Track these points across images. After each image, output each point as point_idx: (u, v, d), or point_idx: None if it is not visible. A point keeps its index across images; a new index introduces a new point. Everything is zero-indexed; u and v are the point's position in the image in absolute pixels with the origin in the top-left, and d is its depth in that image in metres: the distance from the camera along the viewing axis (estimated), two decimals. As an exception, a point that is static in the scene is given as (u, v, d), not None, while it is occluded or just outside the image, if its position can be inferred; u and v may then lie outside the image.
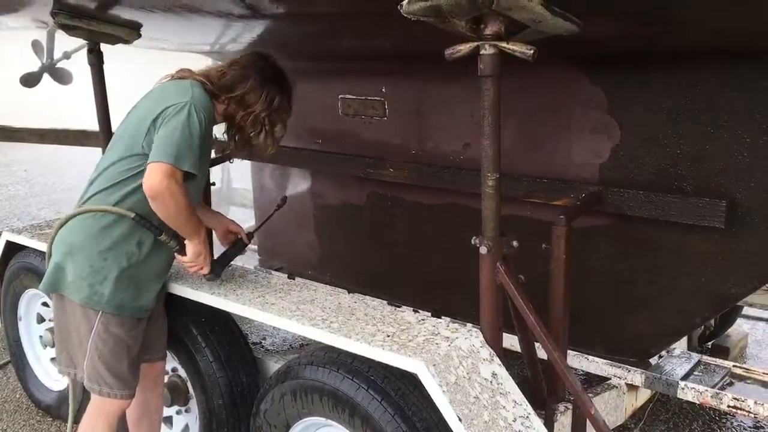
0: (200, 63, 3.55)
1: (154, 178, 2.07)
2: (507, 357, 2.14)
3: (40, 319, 3.39)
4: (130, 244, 2.25)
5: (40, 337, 3.39)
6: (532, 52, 1.76)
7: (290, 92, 2.39)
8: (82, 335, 2.27)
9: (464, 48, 1.84)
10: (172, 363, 2.71)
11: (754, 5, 1.65)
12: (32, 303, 3.39)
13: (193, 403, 2.72)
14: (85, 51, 3.25)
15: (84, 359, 2.28)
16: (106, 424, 2.34)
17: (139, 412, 2.56)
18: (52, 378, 3.38)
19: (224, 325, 2.69)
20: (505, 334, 2.12)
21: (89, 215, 2.24)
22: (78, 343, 2.29)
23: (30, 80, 5.29)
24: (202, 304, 2.51)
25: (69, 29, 3.02)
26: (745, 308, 3.64)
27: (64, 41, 3.88)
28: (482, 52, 1.82)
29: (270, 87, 2.31)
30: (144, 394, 2.52)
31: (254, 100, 2.29)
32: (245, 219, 5.89)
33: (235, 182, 5.82)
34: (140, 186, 2.14)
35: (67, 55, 5.22)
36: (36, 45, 4.79)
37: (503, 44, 1.79)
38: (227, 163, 5.39)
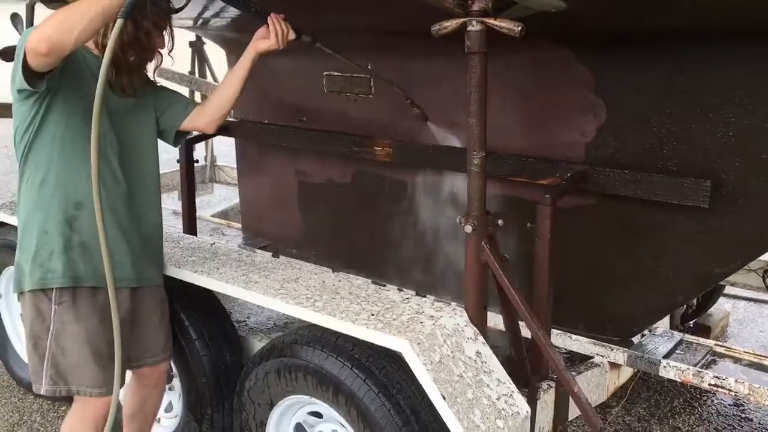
0: (184, 38, 3.50)
1: (28, 46, 1.81)
2: (491, 335, 2.15)
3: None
4: (67, 207, 2.09)
5: (21, 314, 3.36)
6: (519, 29, 1.75)
7: None
8: (36, 334, 2.13)
9: (451, 24, 1.83)
10: (155, 341, 2.69)
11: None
12: (12, 281, 3.35)
13: (177, 382, 2.71)
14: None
15: (44, 360, 2.13)
16: (91, 426, 2.18)
17: (135, 407, 2.48)
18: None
19: (208, 303, 2.68)
20: (489, 313, 2.13)
21: (24, 186, 2.12)
22: (33, 345, 2.15)
23: (9, 54, 5.20)
24: (185, 282, 2.49)
25: (48, 2, 2.96)
26: (727, 287, 3.68)
27: (45, 15, 3.80)
28: (469, 28, 1.81)
29: None
30: (143, 391, 2.45)
31: None
32: (230, 197, 5.87)
33: (219, 160, 5.77)
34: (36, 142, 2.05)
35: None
36: (15, 18, 4.69)
37: (490, 21, 1.78)
38: (210, 141, 5.38)
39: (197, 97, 5.32)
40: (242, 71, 2.33)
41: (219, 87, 2.43)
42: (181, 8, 2.13)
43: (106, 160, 2.13)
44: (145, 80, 2.32)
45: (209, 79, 5.46)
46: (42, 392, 2.17)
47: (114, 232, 2.14)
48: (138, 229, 2.25)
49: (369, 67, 2.87)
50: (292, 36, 2.27)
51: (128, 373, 2.40)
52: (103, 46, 2.05)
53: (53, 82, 1.98)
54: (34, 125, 2.05)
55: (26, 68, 1.87)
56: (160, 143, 2.41)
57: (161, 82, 2.52)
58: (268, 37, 2.25)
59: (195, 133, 2.83)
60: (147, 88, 2.32)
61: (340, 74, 3.03)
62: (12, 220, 3.02)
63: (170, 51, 2.28)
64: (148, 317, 2.34)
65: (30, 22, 4.47)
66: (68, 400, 2.28)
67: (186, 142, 3.31)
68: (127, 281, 2.21)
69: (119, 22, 1.76)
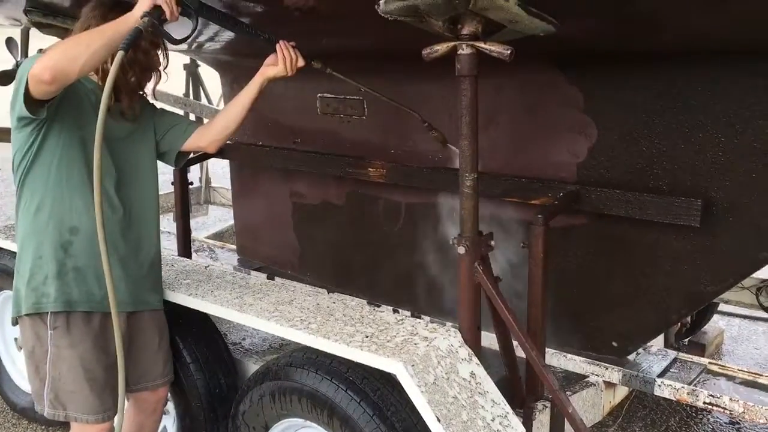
0: (178, 60, 3.52)
1: (32, 73, 1.84)
2: (486, 355, 2.15)
3: (15, 322, 3.34)
4: (62, 232, 2.10)
5: (15, 339, 3.34)
6: (509, 52, 1.76)
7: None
8: (37, 359, 2.14)
9: (441, 48, 1.84)
10: (149, 365, 2.68)
11: (727, 8, 1.66)
12: (6, 305, 3.34)
13: (171, 406, 2.69)
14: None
15: (45, 385, 2.14)
16: None
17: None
18: (27, 380, 3.34)
19: (202, 326, 2.67)
20: (484, 333, 2.13)
21: (21, 212, 2.13)
22: (34, 370, 2.17)
23: (4, 78, 5.22)
24: (179, 305, 2.49)
25: (43, 27, 2.98)
26: (721, 305, 3.68)
27: (39, 39, 3.82)
28: (459, 51, 1.83)
29: (114, 16, 2.01)
30: (140, 417, 2.43)
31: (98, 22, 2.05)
32: (225, 218, 5.87)
33: (214, 181, 5.78)
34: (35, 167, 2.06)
35: (42, 52, 5.15)
36: (10, 43, 4.72)
37: (480, 44, 1.80)
38: (205, 162, 5.39)
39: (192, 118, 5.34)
40: (249, 96, 2.33)
41: (226, 108, 2.43)
42: (184, 40, 2.14)
43: (102, 188, 2.13)
44: (144, 103, 2.34)
45: (203, 101, 5.49)
46: (45, 414, 2.18)
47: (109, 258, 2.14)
48: (135, 254, 2.25)
49: (362, 89, 2.89)
50: (301, 63, 2.26)
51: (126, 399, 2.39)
52: (104, 72, 2.07)
53: (52, 109, 2.00)
54: (32, 151, 2.07)
55: (27, 95, 1.90)
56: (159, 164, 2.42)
57: (155, 103, 2.54)
58: (277, 63, 2.25)
59: (192, 153, 2.83)
60: (146, 112, 2.33)
61: (333, 96, 3.05)
62: (7, 245, 3.01)
63: (165, 67, 2.28)
64: (146, 342, 2.33)
65: (25, 47, 4.49)
66: (66, 425, 2.28)
67: (180, 164, 3.32)
68: (123, 305, 2.20)
69: (119, 54, 1.80)
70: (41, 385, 2.16)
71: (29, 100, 1.91)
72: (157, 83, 2.34)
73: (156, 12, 1.93)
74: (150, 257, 2.32)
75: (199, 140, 2.41)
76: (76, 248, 2.12)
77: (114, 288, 1.86)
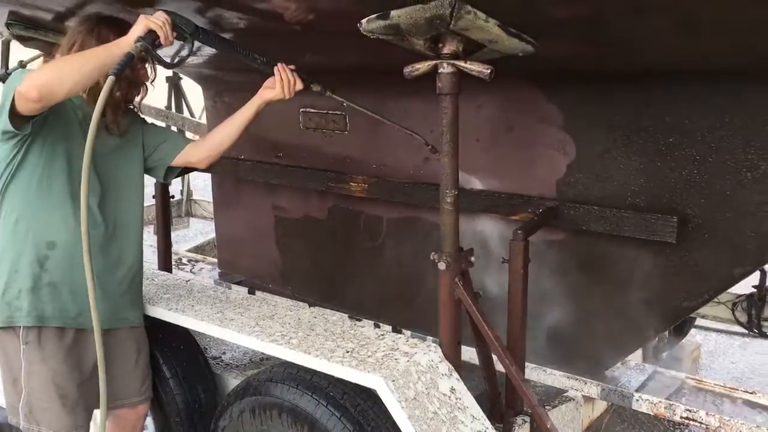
0: (160, 73, 3.52)
1: (19, 90, 1.83)
2: (466, 369, 2.16)
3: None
4: (39, 246, 2.07)
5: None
6: (489, 71, 1.80)
7: (125, 23, 2.13)
8: (13, 373, 2.12)
9: (423, 66, 1.87)
10: (128, 380, 2.66)
11: (700, 31, 1.71)
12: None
13: (150, 421, 2.67)
14: (41, 61, 3.20)
15: (20, 399, 2.12)
16: None
17: None
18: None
19: (182, 340, 2.66)
20: (464, 347, 2.14)
21: (2, 223, 2.11)
22: (11, 384, 2.14)
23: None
24: (158, 319, 2.48)
25: (24, 40, 2.97)
26: (698, 320, 3.73)
27: (20, 51, 3.81)
28: (440, 70, 1.85)
29: (100, 30, 2.10)
30: None
31: (90, 44, 2.06)
32: (206, 231, 5.85)
33: (196, 194, 5.77)
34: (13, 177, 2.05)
35: (22, 65, 5.13)
36: (-10, 54, 4.71)
37: (461, 63, 1.83)
38: (187, 175, 5.38)
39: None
40: (246, 116, 2.30)
41: (221, 126, 2.40)
42: (178, 65, 2.14)
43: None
44: (132, 118, 2.32)
45: (186, 113, 5.48)
46: (21, 428, 2.16)
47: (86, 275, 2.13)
48: (114, 271, 2.23)
49: (345, 104, 2.91)
50: (299, 86, 2.24)
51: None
52: (92, 89, 2.06)
53: (37, 125, 1.99)
54: (14, 164, 2.05)
55: (13, 111, 1.89)
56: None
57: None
58: (275, 87, 2.22)
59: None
60: (134, 126, 2.31)
61: (315, 111, 3.07)
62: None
63: (152, 80, 2.27)
64: (122, 359, 2.30)
65: (5, 59, 4.47)
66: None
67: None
68: (101, 323, 2.18)
69: (110, 79, 1.79)
70: (17, 398, 2.14)
71: (15, 115, 1.90)
72: (143, 96, 2.32)
73: (150, 36, 1.92)
74: (131, 274, 2.30)
75: (190, 156, 2.39)
76: (51, 263, 2.09)
77: (96, 305, 1.84)
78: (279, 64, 2.22)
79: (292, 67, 2.25)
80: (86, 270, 1.80)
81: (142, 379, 2.37)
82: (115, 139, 2.23)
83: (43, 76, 1.85)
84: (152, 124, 2.44)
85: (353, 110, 2.91)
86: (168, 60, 2.07)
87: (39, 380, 2.11)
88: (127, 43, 1.90)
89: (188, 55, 2.08)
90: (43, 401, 2.12)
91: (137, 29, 1.92)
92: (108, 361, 2.20)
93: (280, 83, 2.20)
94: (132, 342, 2.33)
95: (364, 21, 1.75)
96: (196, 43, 2.08)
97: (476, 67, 1.81)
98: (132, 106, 2.31)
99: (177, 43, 2.06)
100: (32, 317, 2.09)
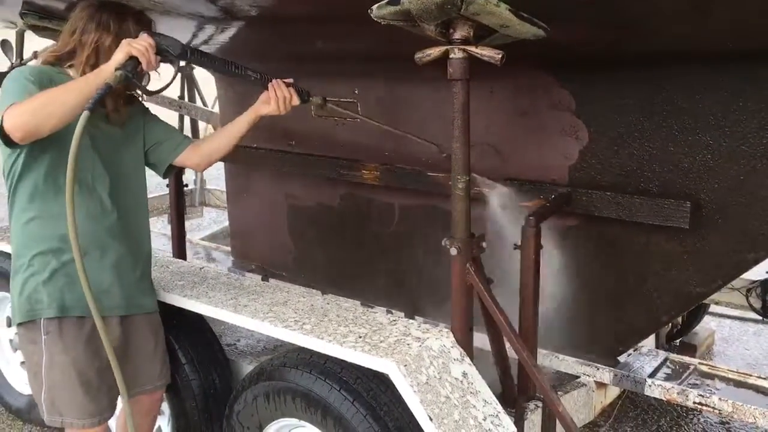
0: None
1: (4, 127, 1.87)
2: (478, 356, 2.17)
3: (10, 323, 3.35)
4: (52, 240, 2.08)
5: (10, 340, 3.35)
6: (500, 56, 1.79)
7: (133, 13, 2.16)
8: (35, 366, 2.14)
9: (434, 52, 1.87)
10: (144, 365, 2.69)
11: (712, 12, 1.70)
12: (1, 306, 3.35)
13: (166, 406, 2.71)
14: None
15: (42, 392, 2.14)
16: None
17: None
18: (22, 381, 3.35)
19: (197, 326, 2.69)
20: (476, 334, 2.15)
21: (13, 220, 2.14)
22: (33, 377, 2.17)
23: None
24: (174, 306, 2.51)
25: (38, 30, 2.99)
26: (712, 306, 3.72)
27: (34, 41, 3.84)
28: (451, 56, 1.85)
29: (101, 16, 2.09)
30: (136, 418, 2.35)
31: (92, 37, 2.08)
32: (219, 220, 5.88)
33: (209, 184, 5.80)
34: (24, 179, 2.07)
35: (36, 55, 5.17)
36: (5, 45, 4.74)
37: (472, 48, 1.82)
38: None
39: (186, 121, 5.37)
40: (240, 128, 2.31)
41: (217, 133, 2.40)
42: (161, 91, 2.13)
43: (95, 194, 2.14)
44: (136, 107, 2.32)
45: (198, 103, 5.50)
46: (45, 421, 2.18)
47: (101, 263, 2.15)
48: (130, 258, 2.25)
49: (356, 92, 2.92)
50: (296, 102, 2.24)
51: (120, 401, 2.39)
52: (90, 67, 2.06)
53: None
54: (19, 161, 2.06)
55: (3, 134, 1.90)
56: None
57: (150, 106, 2.53)
58: (270, 102, 2.22)
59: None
60: (136, 116, 2.31)
61: (327, 99, 3.07)
62: (2, 246, 3.02)
63: (157, 68, 2.20)
64: (141, 345, 2.32)
65: (20, 49, 4.51)
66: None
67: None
68: (117, 309, 2.21)
69: (84, 114, 1.80)
70: (39, 391, 2.17)
71: (5, 138, 1.91)
72: (147, 83, 2.30)
73: (132, 63, 1.90)
74: (145, 260, 2.33)
75: (188, 159, 2.38)
76: (66, 255, 2.09)
77: (92, 292, 1.86)
78: (274, 81, 2.21)
79: (289, 80, 2.24)
80: (77, 262, 1.83)
81: (161, 364, 2.39)
82: (118, 129, 2.22)
83: (26, 116, 1.86)
84: (155, 116, 2.40)
85: (365, 97, 2.93)
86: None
87: (60, 371, 2.13)
88: (107, 71, 1.90)
89: (173, 78, 2.07)
90: (65, 391, 2.14)
91: (118, 56, 1.91)
92: (127, 348, 2.25)
93: (275, 100, 2.20)
94: (149, 328, 2.35)
95: (374, 7, 1.75)
96: (208, 31, 2.09)
97: (487, 52, 1.80)
98: (136, 94, 2.30)
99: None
100: (53, 308, 2.11)
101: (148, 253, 2.36)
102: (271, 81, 2.22)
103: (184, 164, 2.42)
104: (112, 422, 2.47)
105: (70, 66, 2.13)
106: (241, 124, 2.31)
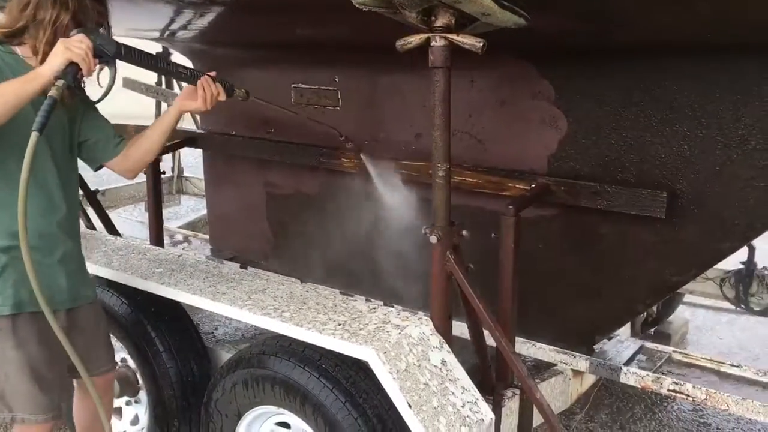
0: (150, 48, 3.49)
1: None
2: (457, 344, 2.18)
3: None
4: (4, 237, 2.00)
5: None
6: (481, 44, 1.80)
7: None
8: None
9: (415, 39, 1.87)
10: (121, 353, 2.68)
11: (690, 6, 1.71)
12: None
13: (143, 394, 2.69)
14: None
15: None
16: None
17: (88, 418, 2.43)
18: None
19: (174, 314, 2.67)
20: (455, 322, 2.16)
21: None
22: None
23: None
24: (151, 293, 2.49)
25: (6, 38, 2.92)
26: (686, 296, 3.77)
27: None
28: (433, 43, 1.85)
29: None
30: (91, 401, 2.32)
31: (49, 15, 1.95)
32: (197, 208, 5.84)
33: (186, 171, 5.75)
34: None
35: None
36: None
37: (453, 36, 1.82)
38: (178, 152, 5.36)
39: (164, 108, 5.30)
40: (164, 127, 2.23)
41: (141, 138, 2.27)
42: (99, 101, 2.07)
43: (45, 188, 2.06)
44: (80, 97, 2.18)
45: (176, 89, 5.44)
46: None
47: (51, 259, 2.10)
48: (75, 251, 2.20)
49: (336, 79, 2.91)
50: (222, 97, 2.19)
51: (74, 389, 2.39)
52: (44, 54, 1.92)
53: None
54: None
55: None
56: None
57: (128, 93, 2.47)
58: (195, 97, 2.17)
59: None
60: (78, 105, 2.16)
61: (307, 86, 3.06)
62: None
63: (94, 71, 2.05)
64: (89, 333, 2.28)
65: None
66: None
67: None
68: (66, 303, 2.17)
69: (34, 136, 1.74)
70: None
71: None
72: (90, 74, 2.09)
73: (72, 69, 1.81)
74: (80, 251, 2.26)
75: (116, 165, 2.28)
76: (18, 252, 1.93)
77: (40, 288, 1.83)
78: (203, 77, 2.17)
79: (213, 74, 2.20)
80: (25, 260, 1.79)
81: (106, 349, 2.37)
82: (62, 116, 2.09)
83: None
84: (94, 108, 2.23)
85: (346, 85, 2.92)
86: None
87: (14, 366, 2.07)
88: (43, 77, 1.82)
89: (112, 82, 1.98)
90: (19, 386, 2.08)
91: (56, 61, 1.82)
92: (74, 338, 2.13)
93: (202, 97, 2.16)
94: (93, 316, 2.30)
95: (356, -7, 1.74)
96: (186, 15, 2.07)
97: (468, 41, 1.81)
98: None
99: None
100: (8, 306, 2.05)
101: (80, 242, 2.28)
102: (200, 77, 2.17)
103: (113, 169, 2.30)
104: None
105: (20, 44, 2.00)
106: (166, 122, 2.23)
